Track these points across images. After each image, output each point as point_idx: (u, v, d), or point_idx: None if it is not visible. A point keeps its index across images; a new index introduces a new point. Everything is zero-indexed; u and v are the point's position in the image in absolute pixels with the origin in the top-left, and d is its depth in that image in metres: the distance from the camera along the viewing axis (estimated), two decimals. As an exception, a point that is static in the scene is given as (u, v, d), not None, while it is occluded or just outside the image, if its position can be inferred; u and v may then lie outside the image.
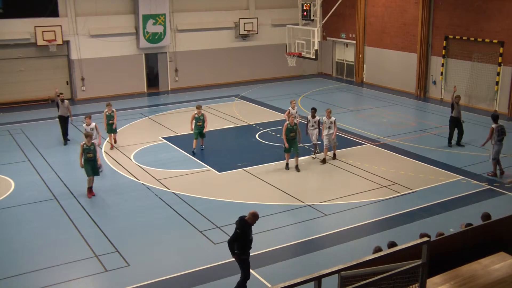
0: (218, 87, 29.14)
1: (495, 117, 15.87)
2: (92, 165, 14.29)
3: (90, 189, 14.53)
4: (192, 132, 17.85)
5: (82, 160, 14.23)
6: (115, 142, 18.77)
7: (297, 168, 16.28)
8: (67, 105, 19.15)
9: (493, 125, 15.62)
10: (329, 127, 16.64)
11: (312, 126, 17.09)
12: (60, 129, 19.31)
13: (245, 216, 9.54)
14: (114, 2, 26.74)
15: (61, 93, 19.44)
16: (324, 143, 16.82)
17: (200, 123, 17.65)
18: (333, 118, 16.69)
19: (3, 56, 24.78)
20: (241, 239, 9.46)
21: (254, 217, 9.47)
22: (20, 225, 13.01)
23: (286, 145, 16.04)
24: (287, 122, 16.07)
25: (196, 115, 17.64)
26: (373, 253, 9.52)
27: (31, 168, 16.85)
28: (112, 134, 18.66)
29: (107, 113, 18.38)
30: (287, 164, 16.40)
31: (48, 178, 15.98)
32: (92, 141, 14.63)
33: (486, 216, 9.96)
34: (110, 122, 18.36)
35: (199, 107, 17.86)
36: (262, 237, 11.97)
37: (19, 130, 21.10)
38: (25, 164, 17.22)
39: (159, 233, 12.51)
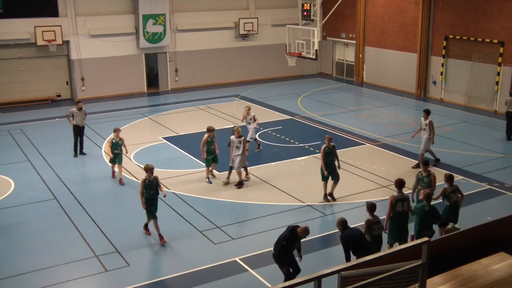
0: (218, 87, 29.13)
1: (429, 111, 16.33)
2: (155, 205, 12.08)
3: (146, 226, 12.52)
4: (204, 158, 15.43)
5: (144, 199, 11.88)
6: (113, 176, 15.86)
7: (331, 195, 14.19)
8: (84, 112, 17.53)
9: (430, 120, 16.09)
10: (237, 147, 14.91)
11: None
12: (73, 139, 17.76)
13: (297, 227, 9.40)
14: (114, 2, 26.73)
15: (79, 102, 17.93)
16: (236, 166, 14.99)
17: (213, 147, 15.29)
18: (242, 137, 15.04)
19: (3, 56, 24.77)
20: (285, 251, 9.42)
21: (306, 233, 9.36)
22: (20, 225, 13.01)
23: (325, 171, 13.88)
24: (325, 145, 13.82)
25: (209, 138, 15.18)
26: (366, 207, 9.89)
27: (31, 168, 16.85)
28: (117, 165, 15.64)
29: (113, 140, 15.43)
30: (325, 195, 14.18)
31: (48, 178, 15.98)
32: None
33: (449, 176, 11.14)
34: (116, 151, 15.42)
35: (212, 129, 15.29)
36: (262, 237, 12.06)
37: (19, 130, 21.09)
38: (25, 164, 17.22)
39: (159, 233, 12.52)
